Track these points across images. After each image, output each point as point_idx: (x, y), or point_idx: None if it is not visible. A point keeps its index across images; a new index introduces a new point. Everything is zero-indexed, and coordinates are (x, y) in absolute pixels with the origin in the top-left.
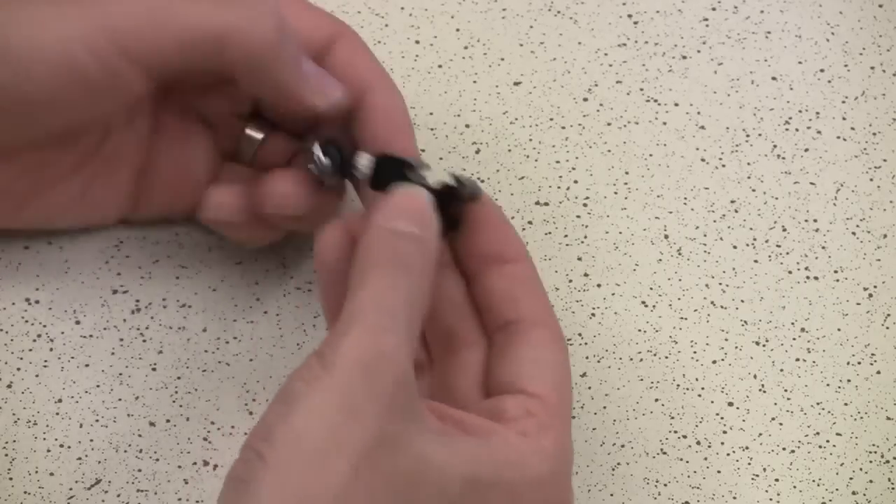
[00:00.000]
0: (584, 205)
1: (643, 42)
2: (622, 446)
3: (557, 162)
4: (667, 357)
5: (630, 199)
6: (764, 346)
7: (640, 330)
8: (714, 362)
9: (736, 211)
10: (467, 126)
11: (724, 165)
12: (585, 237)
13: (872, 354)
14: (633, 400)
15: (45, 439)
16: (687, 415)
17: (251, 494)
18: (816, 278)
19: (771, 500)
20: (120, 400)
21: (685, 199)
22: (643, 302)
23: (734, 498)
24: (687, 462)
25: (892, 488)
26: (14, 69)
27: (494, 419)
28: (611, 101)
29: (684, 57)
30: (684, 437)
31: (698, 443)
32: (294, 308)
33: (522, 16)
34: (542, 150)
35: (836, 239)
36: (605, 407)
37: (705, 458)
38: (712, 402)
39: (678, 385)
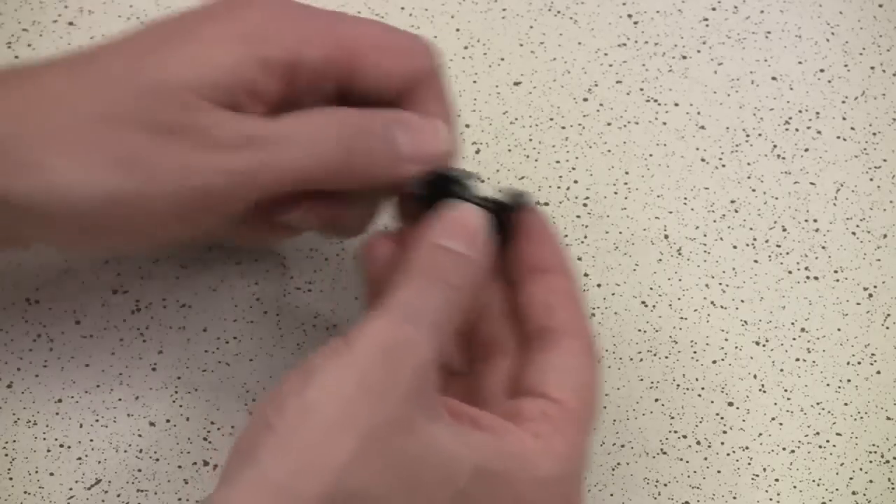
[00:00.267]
0: (584, 205)
1: (643, 42)
2: (622, 446)
3: (557, 162)
4: (667, 357)
5: (630, 199)
6: (764, 346)
7: (640, 330)
8: (714, 362)
9: (736, 211)
10: (467, 126)
11: (724, 165)
12: (585, 237)
13: (872, 354)
14: (633, 400)
15: (45, 439)
16: (687, 415)
17: (253, 459)
18: (816, 278)
19: (771, 500)
20: (120, 400)
21: (685, 199)
22: (643, 302)
23: (734, 498)
24: (687, 462)
25: (892, 488)
26: (110, 232)
27: (511, 419)
28: (611, 101)
29: (684, 57)
30: (684, 437)
31: (698, 443)
32: (294, 308)
33: (522, 16)
34: (542, 150)
35: (836, 239)
36: (605, 407)
37: (705, 458)
38: (712, 402)
39: (678, 385)
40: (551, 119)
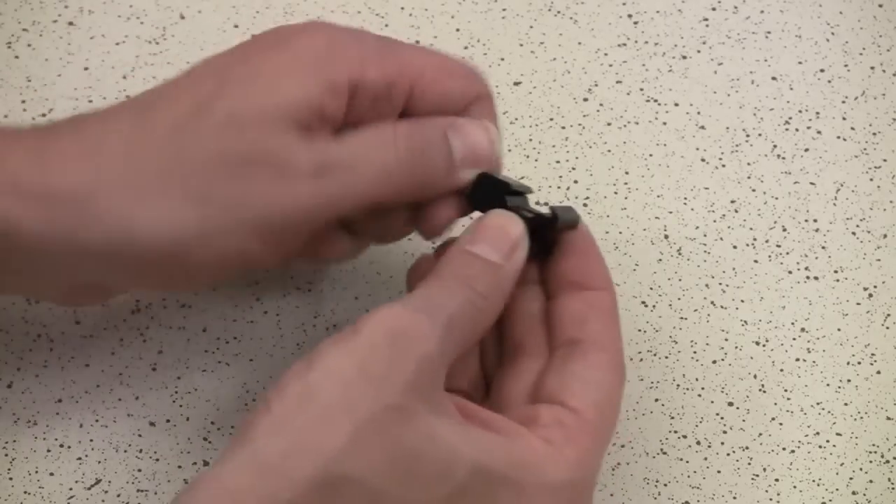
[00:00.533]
0: (584, 205)
1: (643, 42)
2: (622, 446)
3: (557, 162)
4: (667, 357)
5: (630, 199)
6: (764, 346)
7: (640, 330)
8: (714, 362)
9: (736, 211)
10: None
11: (724, 165)
12: None
13: (872, 354)
14: (633, 400)
15: (45, 439)
16: (687, 415)
17: (248, 439)
18: (816, 278)
19: (771, 500)
20: (120, 400)
21: (685, 199)
22: (643, 302)
23: (734, 498)
24: (687, 462)
25: (892, 488)
26: (186, 270)
27: (526, 424)
28: (611, 101)
29: (684, 57)
30: (684, 437)
31: (698, 443)
32: (294, 308)
33: (522, 16)
34: (542, 150)
35: (836, 239)
36: None
37: (705, 458)
38: (712, 402)
39: (678, 385)
40: (551, 119)
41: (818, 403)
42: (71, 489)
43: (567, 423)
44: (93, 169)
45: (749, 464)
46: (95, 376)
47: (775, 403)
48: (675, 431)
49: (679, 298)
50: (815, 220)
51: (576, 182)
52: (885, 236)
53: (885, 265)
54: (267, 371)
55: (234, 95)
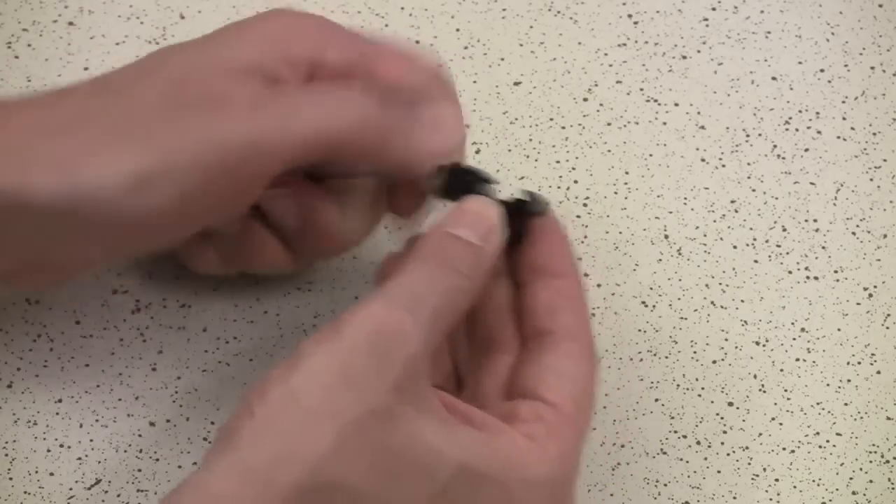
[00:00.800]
0: (584, 205)
1: (643, 42)
2: (622, 446)
3: (557, 162)
4: (667, 357)
5: (630, 199)
6: (764, 346)
7: (640, 330)
8: (714, 362)
9: (736, 211)
10: (467, 126)
11: (724, 165)
12: (585, 237)
13: (872, 354)
14: (633, 400)
15: (45, 439)
16: (687, 415)
17: (232, 445)
18: (816, 278)
19: (771, 500)
20: (120, 400)
21: (685, 199)
22: (643, 302)
23: (734, 498)
24: (687, 462)
25: (892, 488)
26: (132, 223)
27: (506, 420)
28: (611, 101)
29: (684, 57)
30: (684, 437)
31: (698, 443)
32: (294, 308)
33: (522, 16)
34: (542, 150)
35: (836, 239)
36: (605, 407)
37: (705, 458)
38: (712, 402)
39: (678, 385)
40: (551, 119)
41: (818, 403)
42: (71, 489)
43: (547, 418)
44: (39, 124)
45: (749, 464)
46: (95, 376)
47: (775, 403)
48: (675, 431)
49: (679, 298)
50: (815, 220)
51: (576, 182)
52: (885, 236)
53: (885, 265)
54: (267, 371)
55: (184, 57)
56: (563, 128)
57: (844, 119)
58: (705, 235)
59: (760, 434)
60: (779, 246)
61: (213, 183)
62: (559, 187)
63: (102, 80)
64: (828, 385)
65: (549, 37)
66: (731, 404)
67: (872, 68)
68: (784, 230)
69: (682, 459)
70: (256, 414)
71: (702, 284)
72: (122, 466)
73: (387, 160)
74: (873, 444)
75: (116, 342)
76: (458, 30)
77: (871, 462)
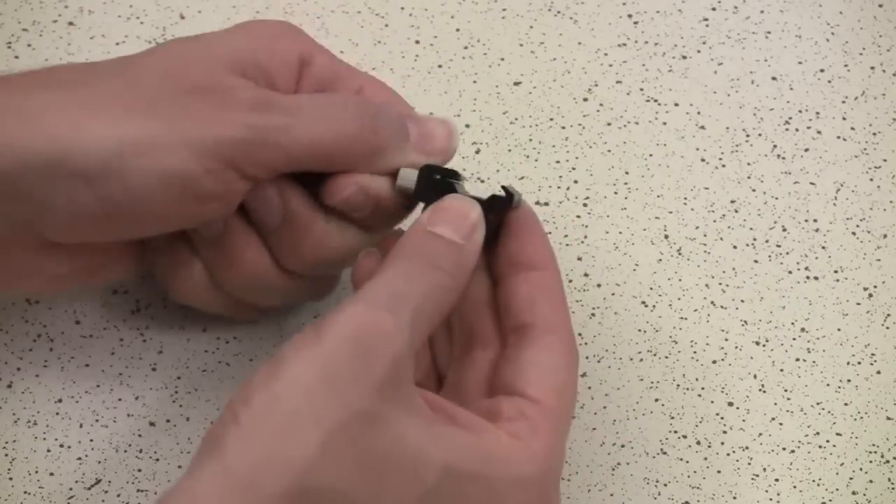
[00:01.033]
0: (584, 205)
1: (643, 42)
2: (622, 446)
3: (557, 162)
4: (667, 357)
5: (630, 199)
6: (764, 346)
7: (640, 330)
8: (714, 362)
9: (736, 211)
10: (467, 126)
11: (724, 165)
12: (585, 237)
13: (872, 354)
14: (633, 400)
15: (45, 439)
16: (687, 415)
17: (218, 452)
18: (816, 278)
19: (771, 500)
20: (120, 400)
21: (685, 199)
22: (643, 302)
23: (734, 498)
24: (687, 462)
25: (892, 488)
26: (127, 189)
27: (490, 418)
28: (611, 101)
29: (684, 57)
30: (684, 437)
31: (698, 443)
32: (294, 308)
33: (522, 16)
34: (542, 150)
35: (836, 239)
36: (605, 407)
37: (705, 458)
38: (712, 402)
39: (678, 385)
40: (551, 119)
41: (818, 403)
42: (71, 489)
43: (530, 414)
44: (43, 89)
45: (749, 464)
46: (95, 376)
47: (775, 403)
48: (675, 431)
49: (679, 298)
50: (815, 220)
51: (576, 182)
52: (885, 236)
53: (885, 265)
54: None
55: (184, 45)
56: (563, 128)
57: (844, 119)
58: (705, 235)
59: (760, 434)
60: (779, 246)
61: (211, 166)
62: (559, 187)
63: (102, 62)
64: (828, 385)
65: (549, 37)
66: (731, 404)
67: (872, 68)
68: (784, 230)
69: (682, 459)
70: (241, 420)
71: (702, 284)
72: (122, 466)
73: (372, 171)
74: (873, 444)
75: (116, 342)
76: (458, 30)
77: (871, 462)
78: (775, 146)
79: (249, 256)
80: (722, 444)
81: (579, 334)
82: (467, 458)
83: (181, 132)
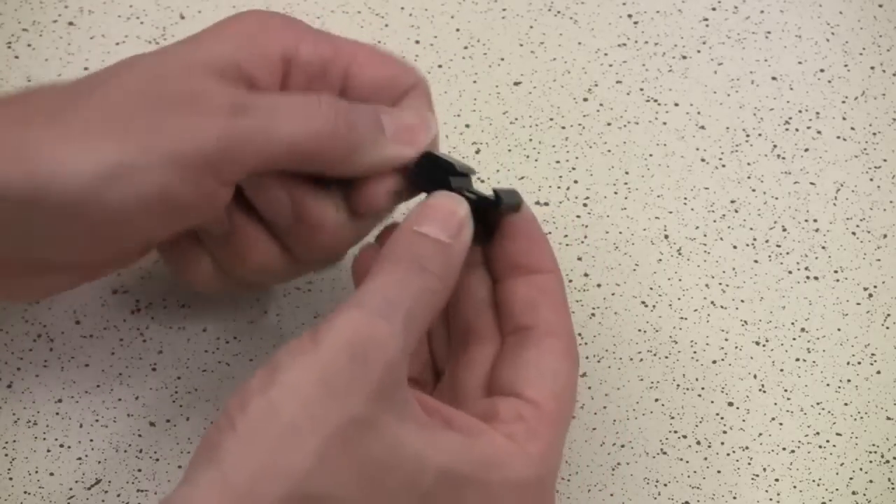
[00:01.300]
0: (584, 205)
1: (643, 42)
2: (622, 446)
3: (557, 162)
4: (667, 357)
5: (630, 199)
6: (764, 346)
7: (640, 330)
8: (714, 362)
9: (736, 211)
10: (467, 126)
11: (724, 165)
12: (585, 237)
13: (872, 354)
14: (633, 400)
15: (45, 439)
16: (687, 415)
17: (216, 460)
18: (816, 278)
19: (771, 500)
20: (120, 400)
21: (685, 199)
22: (643, 302)
23: (734, 498)
24: (687, 462)
25: (892, 488)
26: (107, 214)
27: (486, 420)
28: (611, 101)
29: (684, 57)
30: (684, 437)
31: (698, 443)
32: (294, 308)
33: (522, 16)
34: (542, 150)
35: (836, 239)
36: (605, 407)
37: (705, 458)
38: (712, 402)
39: (678, 385)
40: (551, 119)
41: (818, 403)
42: (71, 489)
43: (527, 416)
44: (20, 125)
45: (749, 464)
46: (95, 376)
47: (775, 403)
48: (675, 431)
49: (679, 298)
50: (815, 220)
51: (576, 182)
52: (885, 236)
53: (885, 265)
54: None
55: (161, 57)
56: (563, 128)
57: (844, 119)
58: (705, 235)
59: (760, 434)
60: (779, 246)
61: (191, 176)
62: (559, 187)
63: (72, 81)
64: (828, 385)
65: (549, 37)
66: (731, 404)
67: (872, 68)
68: (784, 230)
69: (682, 459)
70: (238, 427)
71: (702, 284)
72: (122, 466)
73: (353, 168)
74: (873, 444)
75: (116, 342)
76: (458, 30)
77: (871, 462)
78: (775, 146)
79: (258, 251)
80: (722, 444)
81: (579, 334)
82: (463, 461)
83: (157, 150)
